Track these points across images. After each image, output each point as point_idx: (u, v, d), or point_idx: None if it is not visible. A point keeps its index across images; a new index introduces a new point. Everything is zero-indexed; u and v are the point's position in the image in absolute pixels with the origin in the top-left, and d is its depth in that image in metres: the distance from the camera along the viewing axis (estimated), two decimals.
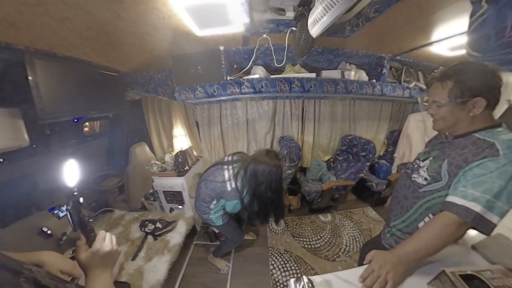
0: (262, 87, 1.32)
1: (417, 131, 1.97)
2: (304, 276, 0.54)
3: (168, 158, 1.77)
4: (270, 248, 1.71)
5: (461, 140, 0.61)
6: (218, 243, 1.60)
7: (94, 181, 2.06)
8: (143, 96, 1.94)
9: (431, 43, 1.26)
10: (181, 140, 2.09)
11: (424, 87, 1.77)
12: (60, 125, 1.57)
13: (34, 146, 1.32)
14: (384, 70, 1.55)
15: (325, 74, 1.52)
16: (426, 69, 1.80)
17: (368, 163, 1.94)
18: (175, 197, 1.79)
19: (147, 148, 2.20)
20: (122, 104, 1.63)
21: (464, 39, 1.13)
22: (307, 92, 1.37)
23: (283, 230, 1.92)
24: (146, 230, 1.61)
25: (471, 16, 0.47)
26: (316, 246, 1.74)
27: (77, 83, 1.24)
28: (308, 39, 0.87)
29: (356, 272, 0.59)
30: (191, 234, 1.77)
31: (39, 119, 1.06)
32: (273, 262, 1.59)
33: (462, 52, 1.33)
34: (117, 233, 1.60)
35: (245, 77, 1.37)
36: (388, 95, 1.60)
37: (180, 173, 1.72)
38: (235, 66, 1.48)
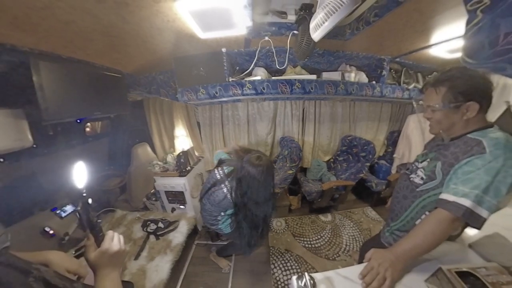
0: (263, 88, 1.33)
1: (417, 132, 1.99)
2: (306, 273, 0.56)
3: (170, 158, 1.78)
4: (271, 248, 1.73)
5: (455, 142, 0.64)
6: (224, 243, 1.59)
7: (96, 181, 2.07)
8: (145, 97, 1.96)
9: (429, 46, 1.28)
10: (182, 140, 2.11)
11: None
12: (63, 126, 1.58)
13: (37, 146, 1.33)
14: (384, 72, 1.57)
15: (326, 75, 1.54)
16: (425, 70, 1.83)
17: (368, 164, 1.96)
18: (176, 197, 1.80)
19: (148, 149, 2.21)
20: (124, 104, 1.64)
21: (461, 42, 1.16)
22: (308, 93, 1.39)
23: (284, 230, 1.94)
24: (148, 230, 1.63)
25: (467, 24, 0.49)
26: (316, 245, 1.76)
27: (81, 84, 1.26)
28: (310, 42, 0.89)
29: (356, 269, 0.61)
30: (193, 233, 1.79)
31: (43, 120, 1.07)
32: (274, 262, 1.60)
33: (460, 54, 1.36)
34: (119, 233, 1.59)
35: (247, 79, 1.39)
36: (388, 97, 1.62)
37: (182, 173, 1.74)
38: (237, 68, 1.50)
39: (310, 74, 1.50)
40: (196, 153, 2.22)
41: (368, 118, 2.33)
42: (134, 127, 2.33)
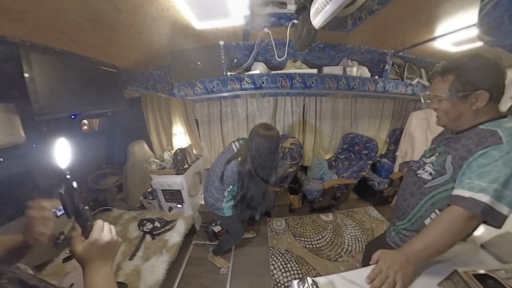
0: (263, 82, 1.29)
1: (420, 129, 1.94)
2: (308, 278, 0.51)
3: (166, 156, 1.74)
4: (271, 248, 1.68)
5: (465, 134, 0.59)
6: (217, 242, 1.57)
7: (93, 180, 2.04)
8: (142, 93, 1.92)
9: (434, 38, 1.24)
10: (180, 138, 2.07)
11: (426, 84, 1.74)
12: (57, 122, 1.55)
13: (30, 143, 1.30)
14: (387, 66, 1.53)
15: (327, 70, 1.50)
16: (429, 65, 1.78)
17: (370, 162, 1.91)
18: (174, 195, 1.76)
19: (145, 146, 2.17)
20: (120, 101, 1.61)
21: (468, 33, 1.12)
22: (309, 88, 1.35)
23: (284, 230, 1.89)
24: (145, 229, 1.58)
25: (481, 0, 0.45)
26: (317, 246, 1.70)
27: (75, 78, 1.22)
28: (310, 31, 0.85)
29: (362, 272, 0.57)
30: (190, 233, 1.74)
31: (34, 115, 1.04)
32: (273, 262, 1.55)
33: (466, 47, 1.32)
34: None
35: (246, 73, 1.35)
36: (391, 92, 1.58)
37: (179, 171, 1.70)
38: (235, 60, 1.46)
39: (311, 69, 1.46)
40: (194, 151, 2.18)
41: (370, 115, 2.29)
42: (132, 124, 2.30)
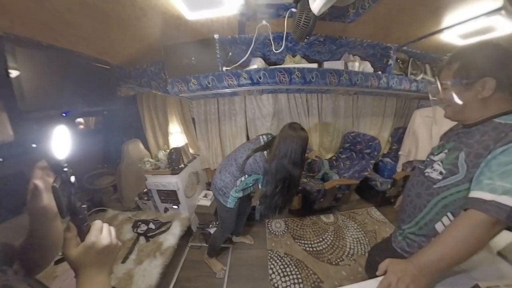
0: (260, 77, 1.23)
1: (424, 127, 1.87)
2: None
3: (161, 155, 1.69)
4: (269, 251, 1.62)
5: (479, 127, 0.54)
6: (209, 243, 1.51)
7: (88, 180, 1.99)
8: (138, 91, 1.87)
9: (441, 30, 1.16)
10: (177, 137, 2.01)
11: (431, 79, 1.67)
12: (48, 120, 1.50)
13: (19, 141, 1.26)
14: (391, 61, 1.46)
15: (328, 65, 1.44)
16: (434, 61, 1.71)
17: (373, 161, 1.84)
18: (169, 196, 1.71)
19: (141, 145, 2.13)
20: (114, 98, 1.56)
21: (478, 24, 1.05)
22: (309, 83, 1.28)
23: (283, 232, 1.83)
24: (139, 231, 1.53)
25: None
26: (318, 248, 1.64)
27: (64, 74, 1.18)
28: (309, 19, 0.78)
29: (370, 285, 0.52)
30: (186, 235, 1.68)
31: (21, 111, 1.00)
32: (272, 266, 1.49)
33: (475, 39, 1.25)
34: None
35: (243, 69, 1.29)
36: (395, 88, 1.51)
37: (174, 171, 1.64)
38: (230, 54, 1.40)
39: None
40: (191, 151, 2.12)
41: (372, 114, 2.22)
42: (128, 123, 2.26)
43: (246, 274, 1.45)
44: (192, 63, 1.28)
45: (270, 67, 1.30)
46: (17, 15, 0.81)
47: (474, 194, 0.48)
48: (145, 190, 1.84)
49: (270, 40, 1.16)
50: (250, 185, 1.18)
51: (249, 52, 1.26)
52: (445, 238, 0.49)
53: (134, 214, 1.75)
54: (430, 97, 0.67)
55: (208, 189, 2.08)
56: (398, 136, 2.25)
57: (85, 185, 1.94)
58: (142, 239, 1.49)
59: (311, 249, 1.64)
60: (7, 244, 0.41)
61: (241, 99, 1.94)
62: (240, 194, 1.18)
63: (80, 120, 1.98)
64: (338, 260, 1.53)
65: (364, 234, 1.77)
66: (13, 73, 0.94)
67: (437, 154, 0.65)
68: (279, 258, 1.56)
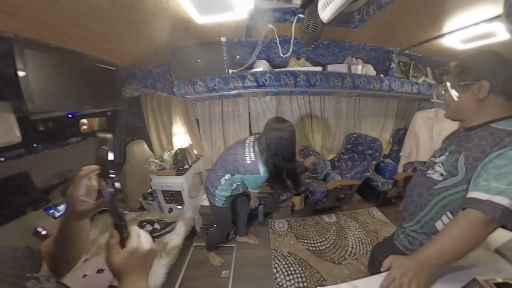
0: (266, 80, 1.25)
1: (425, 129, 1.91)
2: None
3: (166, 156, 1.70)
4: (273, 251, 1.64)
5: (478, 132, 0.57)
6: (207, 238, 1.58)
7: None
8: (142, 92, 1.88)
9: (443, 35, 1.19)
10: (181, 138, 2.02)
11: (432, 82, 1.70)
12: (54, 122, 1.51)
13: (26, 142, 1.27)
14: (393, 65, 1.49)
15: (331, 68, 1.46)
16: (435, 64, 1.74)
17: (375, 162, 1.87)
18: (174, 197, 1.72)
19: (145, 146, 2.14)
20: (119, 99, 1.56)
21: (480, 29, 1.08)
22: (313, 86, 1.31)
23: (286, 232, 1.86)
24: (144, 231, 1.55)
25: None
26: (321, 248, 1.67)
27: (71, 76, 1.18)
28: (317, 26, 0.81)
29: (374, 280, 0.54)
30: (191, 235, 1.70)
31: (29, 113, 1.00)
32: (276, 265, 1.52)
33: (476, 44, 1.28)
34: None
35: (249, 71, 1.31)
36: (396, 91, 1.54)
37: (179, 172, 1.66)
38: (237, 57, 1.42)
39: (315, 67, 1.42)
40: (195, 151, 2.14)
41: (374, 115, 2.25)
42: (132, 124, 2.26)
43: (250, 274, 1.47)
44: (199, 65, 1.29)
45: (276, 70, 1.32)
46: (28, 17, 0.82)
47: (471, 194, 0.51)
48: (149, 191, 1.86)
49: (277, 44, 1.17)
50: (237, 183, 1.19)
51: (254, 55, 1.28)
52: (445, 235, 0.52)
53: (139, 215, 1.77)
54: (434, 99, 0.71)
55: None
56: (399, 137, 2.29)
57: None
58: None
59: (314, 248, 1.66)
60: (31, 248, 0.40)
61: (245, 101, 1.96)
62: (228, 193, 1.20)
63: (84, 120, 1.98)
64: (341, 259, 1.56)
65: (366, 234, 1.80)
66: (21, 75, 0.95)
67: (438, 156, 0.68)
68: (283, 258, 1.58)
